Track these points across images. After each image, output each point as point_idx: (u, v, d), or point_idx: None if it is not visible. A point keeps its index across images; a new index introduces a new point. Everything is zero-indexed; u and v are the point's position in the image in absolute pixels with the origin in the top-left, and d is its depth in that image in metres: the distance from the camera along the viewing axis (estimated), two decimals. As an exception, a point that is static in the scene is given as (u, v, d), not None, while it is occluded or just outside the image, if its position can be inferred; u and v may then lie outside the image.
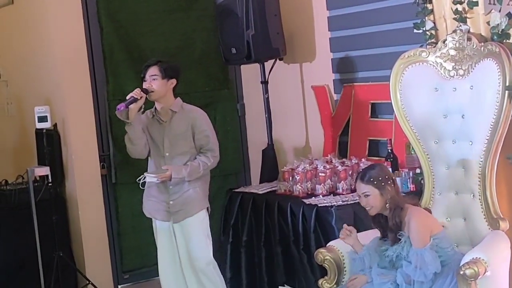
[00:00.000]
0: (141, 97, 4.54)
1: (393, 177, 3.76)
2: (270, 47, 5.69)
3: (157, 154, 4.72)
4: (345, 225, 3.95)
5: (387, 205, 3.71)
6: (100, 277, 6.10)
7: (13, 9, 6.64)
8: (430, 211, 3.89)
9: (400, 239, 3.69)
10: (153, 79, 4.63)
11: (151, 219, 6.30)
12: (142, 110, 4.65)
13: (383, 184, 3.69)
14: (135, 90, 4.57)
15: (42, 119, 5.80)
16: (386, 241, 3.80)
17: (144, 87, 4.64)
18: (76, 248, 6.19)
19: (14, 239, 5.76)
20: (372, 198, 3.73)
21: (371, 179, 3.70)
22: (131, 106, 4.53)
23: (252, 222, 5.12)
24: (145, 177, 4.68)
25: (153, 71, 4.64)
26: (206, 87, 6.58)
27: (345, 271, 3.98)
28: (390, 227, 3.71)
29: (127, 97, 4.56)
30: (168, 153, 4.67)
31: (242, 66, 6.58)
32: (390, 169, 3.87)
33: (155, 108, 4.74)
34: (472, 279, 3.46)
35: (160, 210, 4.73)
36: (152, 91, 4.61)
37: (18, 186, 6.03)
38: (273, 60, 5.87)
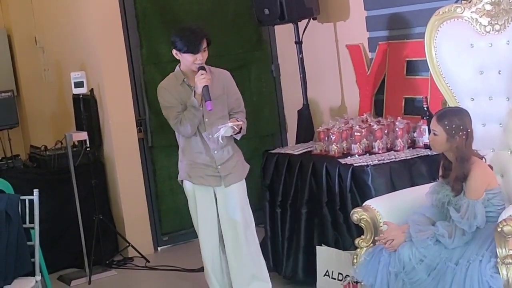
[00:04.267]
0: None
1: (469, 129, 3.70)
2: (303, 7, 5.65)
3: (198, 120, 4.52)
4: (380, 238, 3.84)
5: (452, 153, 3.71)
6: (140, 239, 6.20)
7: (47, -24, 6.69)
8: (492, 168, 3.85)
9: (462, 190, 3.69)
10: (204, 50, 4.44)
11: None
12: None
13: (453, 132, 3.66)
14: (203, 75, 4.36)
15: (78, 84, 5.86)
16: (444, 181, 3.81)
17: (200, 61, 4.41)
18: (115, 211, 6.29)
19: (55, 203, 5.86)
20: (438, 139, 3.72)
21: (445, 122, 3.68)
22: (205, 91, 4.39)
23: (288, 183, 5.12)
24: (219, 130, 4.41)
25: (205, 42, 4.44)
26: (240, 49, 6.58)
27: (382, 230, 3.97)
28: (456, 176, 3.70)
29: (202, 90, 4.36)
30: (207, 118, 4.52)
31: (276, 27, 6.55)
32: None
33: (182, 73, 4.54)
34: (510, 236, 3.43)
35: (209, 176, 4.60)
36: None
37: (57, 152, 6.12)
38: (306, 20, 5.83)
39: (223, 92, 4.58)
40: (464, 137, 3.68)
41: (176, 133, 4.67)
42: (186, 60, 4.46)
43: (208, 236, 4.73)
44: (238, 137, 4.61)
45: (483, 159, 3.82)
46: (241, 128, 4.52)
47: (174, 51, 4.49)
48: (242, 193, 4.69)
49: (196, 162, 4.61)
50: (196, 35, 4.43)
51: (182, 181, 4.76)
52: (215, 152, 4.58)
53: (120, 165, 6.14)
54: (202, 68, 4.43)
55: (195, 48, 4.40)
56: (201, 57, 4.42)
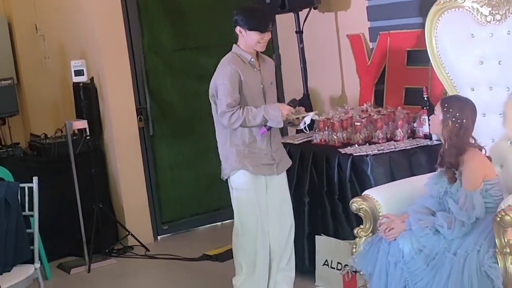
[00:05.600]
0: None
1: (465, 120, 3.67)
2: (304, -4, 5.64)
3: (255, 104, 4.30)
4: (381, 229, 3.82)
5: (443, 137, 3.74)
6: (140, 228, 6.20)
7: (48, -36, 6.67)
8: (490, 159, 3.85)
9: (457, 179, 3.69)
10: (269, 30, 4.31)
11: (189, 170, 6.40)
12: None
13: (448, 116, 3.68)
14: (288, 112, 4.28)
15: (79, 73, 5.86)
16: (441, 171, 3.81)
17: (265, 42, 4.30)
18: (115, 200, 6.29)
19: (55, 192, 5.85)
20: (434, 118, 3.78)
21: (445, 105, 3.71)
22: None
23: (289, 172, 5.11)
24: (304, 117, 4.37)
25: (271, 24, 4.37)
26: (241, 38, 6.54)
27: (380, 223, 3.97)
28: (445, 163, 3.72)
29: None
30: (267, 102, 4.37)
31: (277, 16, 6.50)
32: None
33: (247, 54, 4.37)
34: (509, 226, 3.44)
35: (264, 165, 4.40)
36: None
37: (57, 140, 6.11)
38: (307, 9, 5.81)
39: (274, 78, 4.54)
40: (457, 125, 3.67)
41: (221, 122, 4.35)
42: (251, 39, 4.30)
43: (263, 227, 4.46)
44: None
45: (483, 150, 3.81)
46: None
47: (238, 29, 4.33)
48: (286, 181, 4.61)
49: (251, 151, 4.37)
50: (265, 14, 4.39)
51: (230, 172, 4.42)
52: (272, 138, 4.44)
53: (120, 153, 6.14)
54: (294, 102, 4.38)
55: (264, 26, 4.28)
56: (267, 37, 4.31)
